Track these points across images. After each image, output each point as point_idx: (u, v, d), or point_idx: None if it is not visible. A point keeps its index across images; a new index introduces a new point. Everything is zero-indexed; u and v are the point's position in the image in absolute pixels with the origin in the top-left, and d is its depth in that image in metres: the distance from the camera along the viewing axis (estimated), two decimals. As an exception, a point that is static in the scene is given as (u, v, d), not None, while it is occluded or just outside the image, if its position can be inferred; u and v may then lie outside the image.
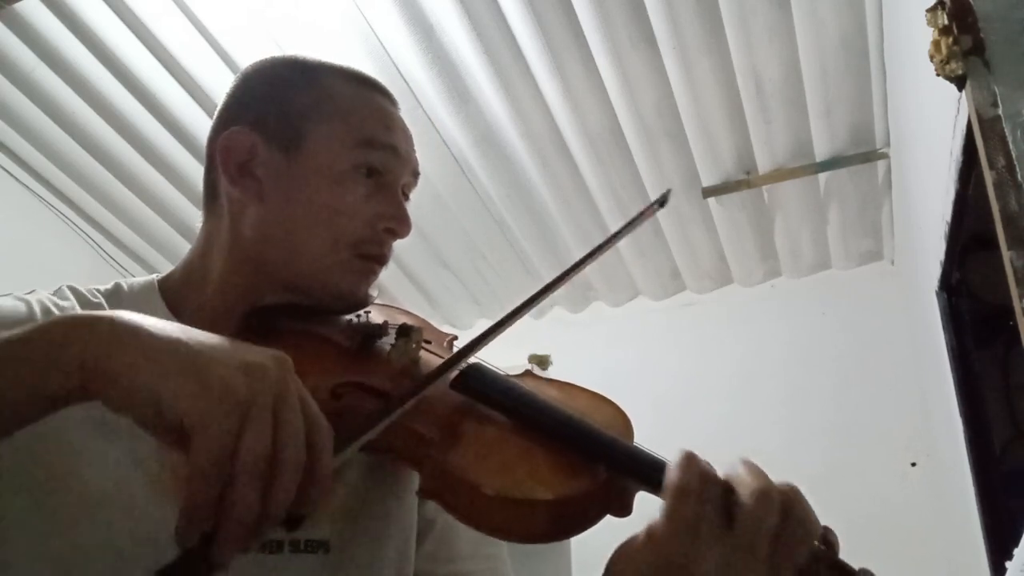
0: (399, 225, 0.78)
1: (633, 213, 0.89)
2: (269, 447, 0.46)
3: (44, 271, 2.61)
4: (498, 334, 0.70)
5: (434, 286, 3.25)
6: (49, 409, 0.48)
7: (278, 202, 0.75)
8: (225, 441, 0.45)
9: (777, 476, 0.61)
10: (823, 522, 0.63)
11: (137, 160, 2.66)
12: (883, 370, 2.77)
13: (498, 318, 0.71)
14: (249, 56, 2.25)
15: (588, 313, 3.38)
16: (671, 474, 0.58)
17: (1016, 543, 0.94)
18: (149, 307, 0.75)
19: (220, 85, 2.35)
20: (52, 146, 2.64)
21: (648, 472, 0.63)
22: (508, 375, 0.77)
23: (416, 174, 0.83)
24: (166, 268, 0.82)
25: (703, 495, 0.57)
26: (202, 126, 2.51)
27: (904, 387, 2.69)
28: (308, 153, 0.76)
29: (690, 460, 0.59)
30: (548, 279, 0.77)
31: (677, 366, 3.07)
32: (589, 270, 3.11)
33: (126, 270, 3.08)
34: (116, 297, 0.76)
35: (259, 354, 0.50)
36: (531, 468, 0.64)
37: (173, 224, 2.94)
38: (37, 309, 0.70)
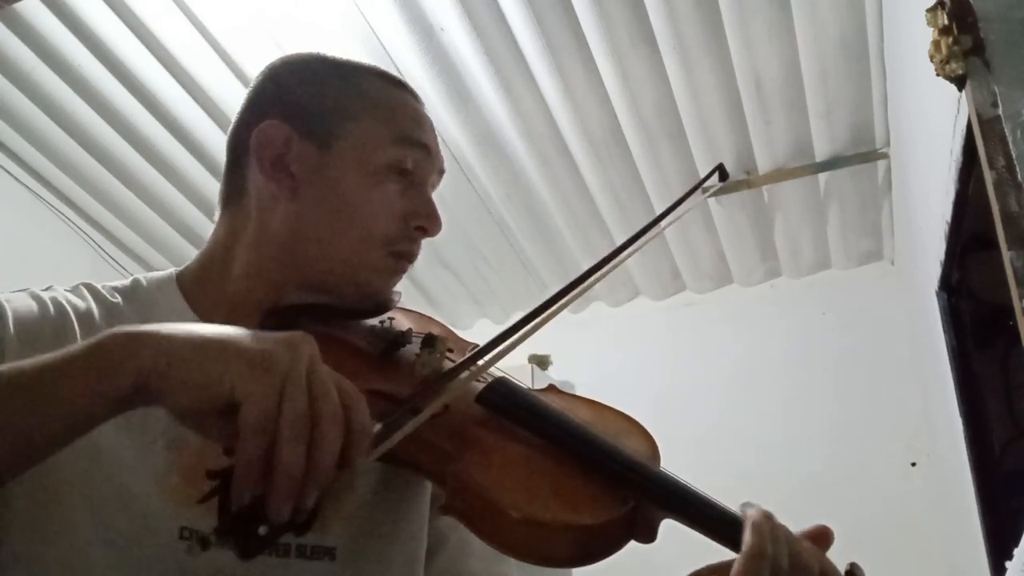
0: (431, 223, 0.78)
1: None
2: (306, 405, 0.50)
3: (44, 271, 2.59)
4: (531, 332, 0.71)
5: (434, 286, 3.24)
6: (101, 417, 0.51)
7: (311, 198, 0.75)
8: (270, 402, 0.49)
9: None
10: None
11: (137, 160, 2.66)
12: (883, 370, 2.77)
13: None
14: (249, 56, 2.29)
15: (588, 313, 3.37)
16: (746, 541, 0.59)
17: (1016, 543, 0.94)
18: (167, 301, 0.75)
19: (220, 85, 2.34)
20: (52, 146, 2.63)
21: (678, 503, 0.63)
22: (533, 390, 0.76)
23: (442, 172, 0.83)
24: (166, 268, 0.81)
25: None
26: (202, 126, 2.51)
27: (904, 387, 2.69)
28: (342, 149, 0.75)
29: (762, 526, 0.60)
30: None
31: (677, 366, 3.06)
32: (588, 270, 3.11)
33: (126, 270, 3.08)
34: (134, 294, 0.76)
35: (289, 334, 0.54)
36: (559, 491, 0.63)
37: (173, 224, 2.94)
38: (51, 308, 0.69)
